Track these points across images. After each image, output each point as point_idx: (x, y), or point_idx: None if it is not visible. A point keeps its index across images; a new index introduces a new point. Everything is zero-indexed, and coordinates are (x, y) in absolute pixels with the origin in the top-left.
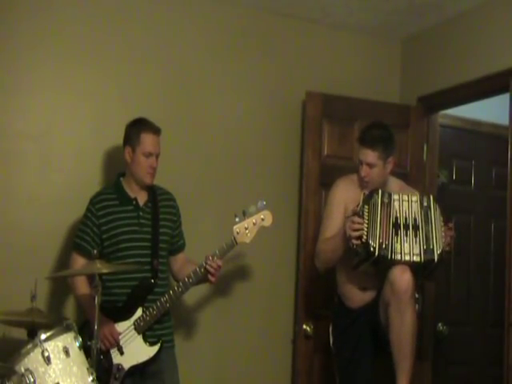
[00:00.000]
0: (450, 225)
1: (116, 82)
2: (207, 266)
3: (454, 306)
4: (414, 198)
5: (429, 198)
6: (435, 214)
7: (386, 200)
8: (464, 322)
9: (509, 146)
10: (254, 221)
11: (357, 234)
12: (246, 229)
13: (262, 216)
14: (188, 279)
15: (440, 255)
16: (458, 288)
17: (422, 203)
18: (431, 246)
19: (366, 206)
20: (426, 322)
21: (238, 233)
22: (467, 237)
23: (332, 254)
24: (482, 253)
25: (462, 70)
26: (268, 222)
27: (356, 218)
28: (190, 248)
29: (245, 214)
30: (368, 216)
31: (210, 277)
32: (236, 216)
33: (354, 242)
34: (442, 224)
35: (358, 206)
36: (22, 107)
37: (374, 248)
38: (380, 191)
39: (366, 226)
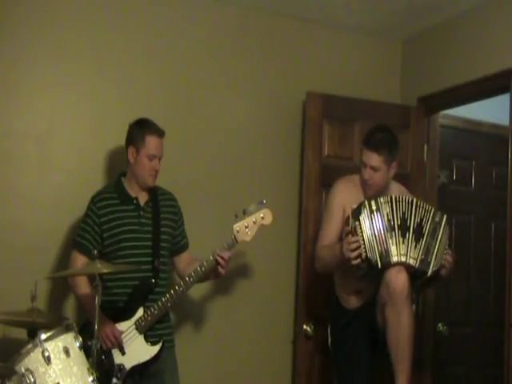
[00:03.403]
0: (449, 251)
1: (116, 82)
2: (217, 258)
3: (454, 307)
4: (428, 207)
5: (442, 216)
6: (443, 234)
7: (374, 207)
8: (464, 322)
9: (509, 146)
10: (254, 219)
11: (355, 254)
12: (247, 227)
13: (261, 214)
14: (189, 278)
15: (434, 272)
16: (458, 288)
17: (433, 216)
18: (429, 260)
19: (357, 222)
20: (426, 322)
21: (238, 231)
22: (467, 237)
23: (330, 261)
24: (482, 253)
25: (463, 71)
26: (268, 220)
27: (350, 238)
28: (191, 247)
29: (245, 213)
30: (361, 231)
31: (219, 268)
32: (236, 215)
33: (354, 262)
34: (446, 247)
35: (347, 221)
36: (23, 107)
37: (376, 260)
38: (366, 202)
39: (362, 242)
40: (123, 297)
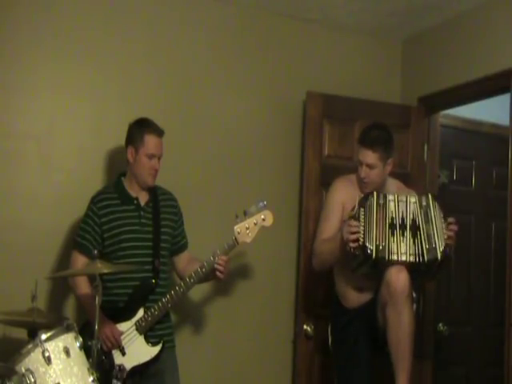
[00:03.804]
0: (450, 219)
1: (116, 81)
2: (216, 266)
3: (455, 306)
4: (413, 200)
5: (427, 197)
6: (435, 212)
7: (381, 201)
8: (464, 322)
9: (509, 146)
10: (254, 221)
11: (354, 237)
12: (247, 229)
13: (262, 216)
14: (189, 279)
15: (443, 252)
16: (459, 288)
17: (420, 203)
18: (434, 245)
19: (362, 209)
20: (426, 321)
21: (239, 233)
22: (467, 237)
23: (329, 256)
24: (482, 253)
25: (463, 70)
26: (269, 221)
27: (352, 222)
28: (191, 248)
29: (246, 214)
30: (364, 219)
31: (218, 274)
32: (237, 216)
33: (351, 245)
34: (443, 220)
35: (353, 209)
36: (23, 107)
37: (371, 250)
38: (375, 193)
39: (362, 228)
40: (123, 297)
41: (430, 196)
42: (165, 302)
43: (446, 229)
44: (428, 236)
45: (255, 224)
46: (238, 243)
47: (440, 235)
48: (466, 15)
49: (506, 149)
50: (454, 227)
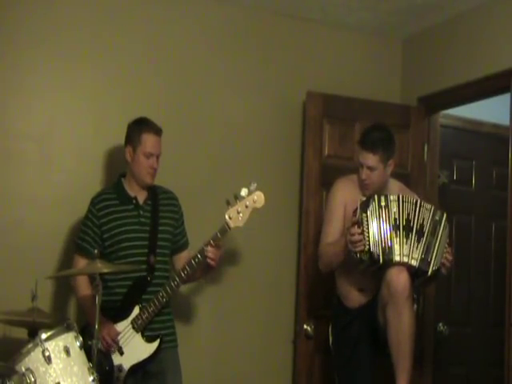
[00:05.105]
0: (448, 249)
1: (117, 82)
2: (206, 253)
3: (455, 307)
4: (428, 206)
5: (442, 215)
6: (443, 232)
7: (383, 204)
8: (464, 322)
9: (509, 146)
10: (246, 203)
11: (358, 245)
12: (239, 212)
13: (254, 197)
14: (183, 271)
15: (434, 272)
16: (459, 288)
17: (434, 215)
18: (429, 259)
19: (364, 214)
20: (426, 322)
21: (230, 218)
22: (468, 237)
23: (334, 258)
24: (482, 253)
25: (463, 70)
26: (260, 203)
27: (355, 229)
28: (192, 248)
29: (237, 198)
30: (368, 224)
31: (209, 261)
32: (228, 202)
33: (357, 250)
34: (446, 246)
35: (355, 212)
36: (23, 107)
37: (378, 255)
38: (376, 196)
39: (366, 234)
40: (122, 297)
41: (445, 216)
42: (160, 297)
43: (446, 253)
44: (428, 247)
45: (247, 207)
46: (230, 228)
47: (439, 254)
48: (467, 15)
49: (506, 149)
50: (450, 257)
